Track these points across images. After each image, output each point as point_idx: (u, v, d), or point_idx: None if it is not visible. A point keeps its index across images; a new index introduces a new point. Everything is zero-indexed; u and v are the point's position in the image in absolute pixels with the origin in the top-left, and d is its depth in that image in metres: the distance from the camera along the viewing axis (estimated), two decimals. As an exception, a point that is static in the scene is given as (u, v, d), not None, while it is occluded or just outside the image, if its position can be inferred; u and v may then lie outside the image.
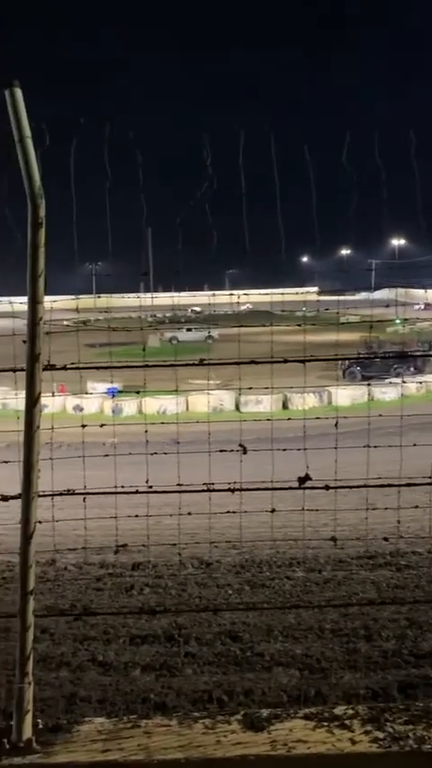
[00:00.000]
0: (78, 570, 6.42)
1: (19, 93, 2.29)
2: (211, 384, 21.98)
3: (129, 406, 25.35)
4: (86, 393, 22.12)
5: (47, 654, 4.34)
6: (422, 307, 54.93)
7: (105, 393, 25.00)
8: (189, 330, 44.01)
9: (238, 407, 25.13)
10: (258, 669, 4.17)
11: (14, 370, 2.87)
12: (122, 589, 5.78)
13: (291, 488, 2.87)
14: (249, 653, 4.37)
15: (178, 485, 3.19)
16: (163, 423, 3.88)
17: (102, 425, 3.65)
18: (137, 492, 3.14)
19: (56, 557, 6.27)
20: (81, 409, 20.81)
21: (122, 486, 2.98)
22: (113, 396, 20.62)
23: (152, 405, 23.05)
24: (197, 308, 55.80)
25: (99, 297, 5.06)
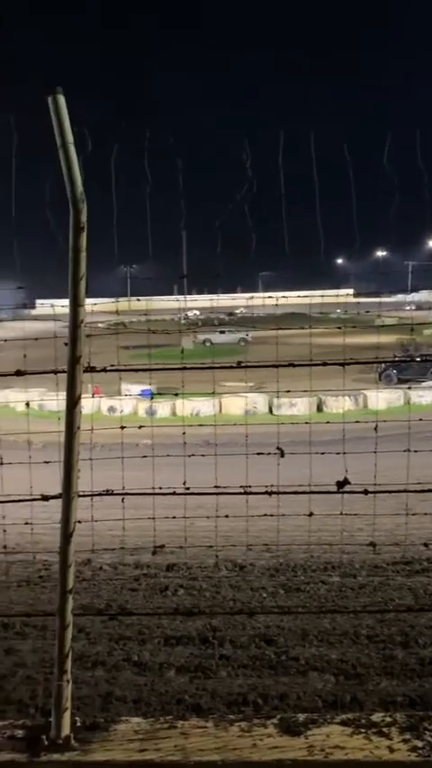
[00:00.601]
0: (113, 570, 6.48)
1: (62, 99, 2.33)
2: (243, 386, 22.01)
3: (162, 407, 25.50)
4: (121, 395, 22.34)
5: (83, 653, 4.39)
6: (413, 308, 53.62)
7: (139, 395, 25.21)
8: (222, 332, 44.01)
9: (271, 410, 25.08)
10: (293, 673, 4.14)
11: (55, 372, 2.92)
12: (157, 590, 5.81)
13: (329, 492, 2.85)
14: (284, 657, 4.35)
15: (215, 487, 3.19)
16: (201, 425, 3.88)
17: (140, 427, 3.67)
18: (174, 493, 3.15)
19: (91, 556, 6.34)
20: (121, 410, 21.02)
21: (161, 488, 3.00)
22: (152, 397, 20.77)
23: (185, 406, 23.14)
24: (197, 312, 55.29)
25: (138, 300, 5.10)
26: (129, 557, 6.65)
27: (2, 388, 22.69)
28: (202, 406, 23.55)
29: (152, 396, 20.24)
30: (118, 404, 22.90)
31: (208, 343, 39.18)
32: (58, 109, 2.33)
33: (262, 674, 4.14)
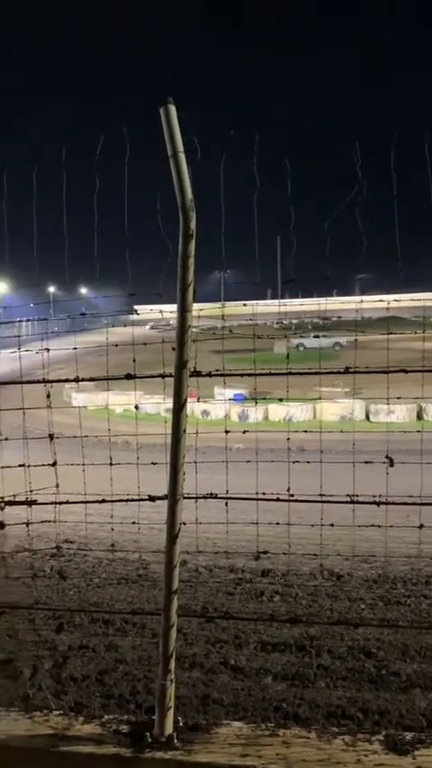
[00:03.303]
0: (209, 573, 6.54)
1: (173, 109, 2.37)
2: (338, 392, 21.61)
3: (256, 412, 25.44)
4: (214, 399, 22.53)
5: (180, 653, 4.45)
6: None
7: (231, 399, 25.25)
8: (317, 337, 43.43)
9: (368, 417, 24.46)
10: (394, 689, 4.01)
11: (162, 376, 2.98)
12: (253, 595, 5.81)
13: (442, 504, 2.74)
14: (384, 671, 4.23)
15: (320, 495, 3.14)
16: (306, 431, 3.83)
17: (244, 432, 3.68)
18: (278, 500, 3.13)
19: (187, 558, 6.43)
20: (226, 415, 21.19)
21: (264, 493, 2.98)
22: (255, 402, 20.74)
23: (279, 411, 22.98)
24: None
25: (245, 305, 5.15)
26: (224, 560, 6.69)
27: (103, 391, 23.46)
28: (295, 412, 23.30)
29: (255, 401, 20.18)
30: (212, 408, 23.07)
31: (301, 348, 38.77)
32: (169, 119, 2.37)
33: (361, 688, 4.04)
